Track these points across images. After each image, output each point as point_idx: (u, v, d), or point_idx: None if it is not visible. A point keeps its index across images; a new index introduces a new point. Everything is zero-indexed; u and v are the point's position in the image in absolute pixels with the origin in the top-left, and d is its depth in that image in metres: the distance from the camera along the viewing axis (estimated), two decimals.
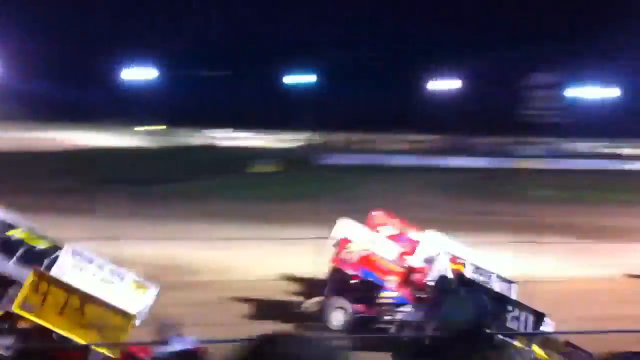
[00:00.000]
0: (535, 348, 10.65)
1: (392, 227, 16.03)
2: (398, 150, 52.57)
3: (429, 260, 14.17)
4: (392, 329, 13.50)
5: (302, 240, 16.98)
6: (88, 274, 10.03)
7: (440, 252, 14.13)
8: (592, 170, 43.78)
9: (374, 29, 72.88)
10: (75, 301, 9.25)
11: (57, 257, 10.13)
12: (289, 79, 68.90)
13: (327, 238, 14.95)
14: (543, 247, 19.77)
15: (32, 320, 9.31)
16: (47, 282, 9.34)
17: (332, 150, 49.29)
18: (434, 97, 65.90)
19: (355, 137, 57.12)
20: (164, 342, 9.32)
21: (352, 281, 14.44)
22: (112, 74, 67.78)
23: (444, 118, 56.05)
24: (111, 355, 9.18)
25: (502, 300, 11.13)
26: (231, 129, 60.79)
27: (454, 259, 14.01)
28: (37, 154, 42.42)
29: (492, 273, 13.57)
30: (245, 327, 13.03)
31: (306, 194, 32.27)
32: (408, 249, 15.08)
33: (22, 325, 9.64)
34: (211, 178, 36.09)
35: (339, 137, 57.20)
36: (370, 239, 14.91)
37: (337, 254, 14.43)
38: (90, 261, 10.16)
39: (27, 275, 9.42)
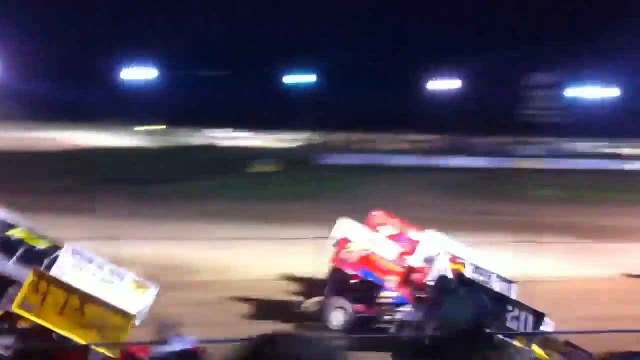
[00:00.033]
0: (535, 348, 10.65)
1: (392, 227, 16.02)
2: (398, 150, 52.55)
3: (429, 260, 14.17)
4: (392, 329, 13.48)
5: (302, 240, 16.95)
6: (88, 274, 10.02)
7: (440, 252, 14.12)
8: (592, 170, 43.80)
9: (374, 29, 72.91)
10: (75, 301, 9.23)
11: (57, 257, 10.11)
12: (289, 79, 68.94)
13: (327, 238, 14.93)
14: (543, 247, 19.73)
15: (32, 320, 9.29)
16: (47, 282, 9.32)
17: (332, 150, 49.27)
18: (434, 97, 65.92)
19: (355, 137, 57.11)
20: (164, 342, 9.32)
21: (352, 281, 14.42)
22: (112, 74, 67.83)
23: (444, 118, 56.07)
24: (111, 355, 9.17)
25: (502, 300, 11.12)
26: (231, 129, 60.78)
27: (454, 259, 14.00)
28: (37, 154, 42.40)
29: (492, 273, 13.56)
30: (245, 327, 13.02)
31: (306, 194, 32.26)
32: (408, 249, 15.08)
33: (22, 325, 9.61)
34: (211, 178, 36.09)
35: (339, 137, 57.19)
36: (370, 239, 14.89)
37: (337, 254, 14.42)
38: (90, 261, 10.15)
39: (27, 275, 9.40)
